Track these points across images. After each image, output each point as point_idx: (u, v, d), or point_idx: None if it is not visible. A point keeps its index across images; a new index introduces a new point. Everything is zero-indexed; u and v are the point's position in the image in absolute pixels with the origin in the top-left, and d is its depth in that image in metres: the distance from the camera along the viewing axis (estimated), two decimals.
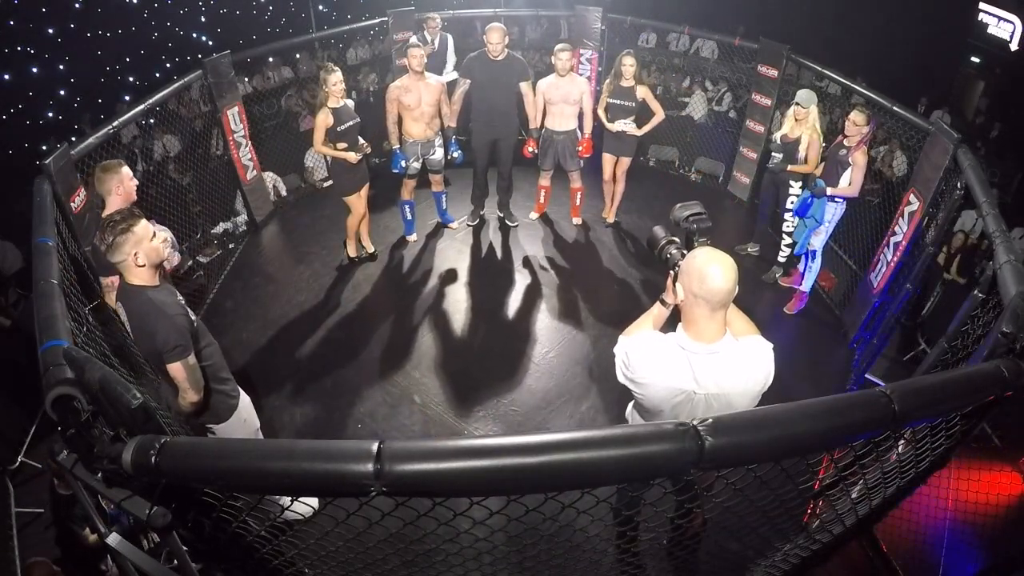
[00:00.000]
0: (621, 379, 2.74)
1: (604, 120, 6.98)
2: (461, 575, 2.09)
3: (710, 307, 2.44)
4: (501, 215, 7.70)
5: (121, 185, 4.37)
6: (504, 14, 10.07)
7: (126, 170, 4.46)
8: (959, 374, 2.03)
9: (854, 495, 2.43)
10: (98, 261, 4.35)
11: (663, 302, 2.87)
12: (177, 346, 3.25)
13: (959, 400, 1.89)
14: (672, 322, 2.76)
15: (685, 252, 2.81)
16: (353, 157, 6.07)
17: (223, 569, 2.13)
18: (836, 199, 5.81)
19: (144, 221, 3.31)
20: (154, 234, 3.37)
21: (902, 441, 2.28)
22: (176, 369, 3.30)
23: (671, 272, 2.83)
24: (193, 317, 3.55)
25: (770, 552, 2.78)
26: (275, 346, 5.92)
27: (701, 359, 2.53)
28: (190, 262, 6.95)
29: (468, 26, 10.85)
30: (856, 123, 5.58)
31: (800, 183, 6.26)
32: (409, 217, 7.26)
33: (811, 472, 1.80)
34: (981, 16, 13.34)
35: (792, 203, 6.34)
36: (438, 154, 6.76)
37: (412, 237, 7.41)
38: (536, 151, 7.03)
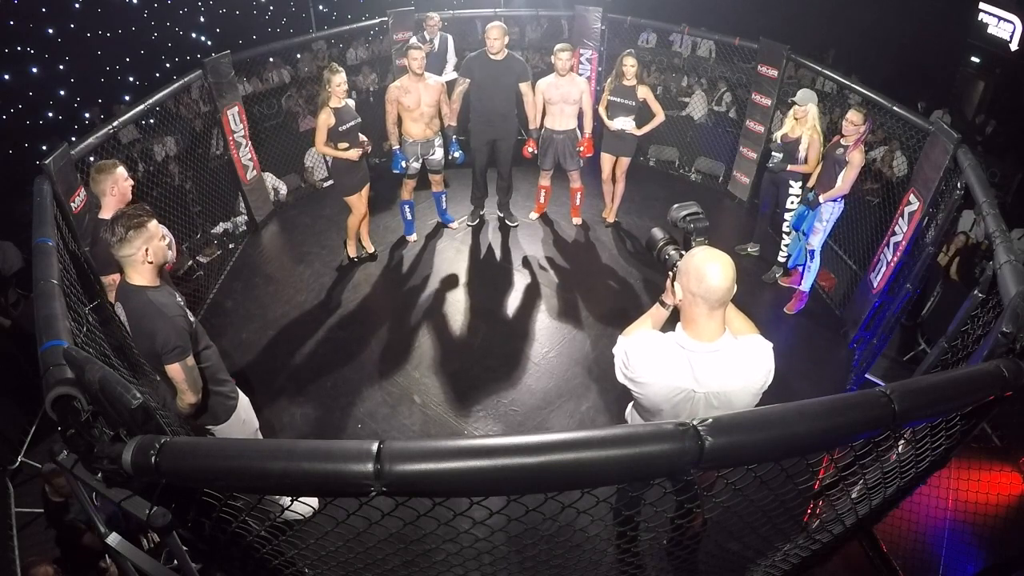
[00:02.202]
0: (620, 379, 2.74)
1: (604, 117, 6.98)
2: (461, 575, 2.09)
3: (708, 306, 2.45)
4: (501, 215, 7.69)
5: (115, 186, 4.32)
6: (504, 14, 10.06)
7: (121, 171, 4.40)
8: (959, 374, 2.03)
9: (854, 495, 2.44)
10: (98, 260, 4.34)
11: (663, 303, 2.88)
12: (176, 347, 3.24)
13: (959, 400, 1.89)
14: (671, 322, 2.76)
15: (684, 253, 2.81)
16: (354, 154, 6.07)
17: (223, 569, 2.13)
18: (833, 199, 5.83)
19: (155, 220, 3.31)
20: (163, 236, 3.38)
21: (902, 441, 2.28)
22: (175, 370, 3.30)
23: (670, 273, 2.83)
24: (192, 319, 3.55)
25: (770, 552, 2.78)
26: (275, 346, 5.92)
27: (701, 358, 2.53)
28: (190, 262, 6.95)
29: (468, 26, 10.84)
30: (853, 122, 5.60)
31: (800, 183, 6.26)
32: (409, 217, 7.26)
33: (811, 472, 1.80)
34: (981, 16, 13.33)
35: (792, 203, 6.35)
36: (438, 154, 6.77)
37: (412, 237, 7.41)
38: (536, 151, 7.03)
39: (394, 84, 6.43)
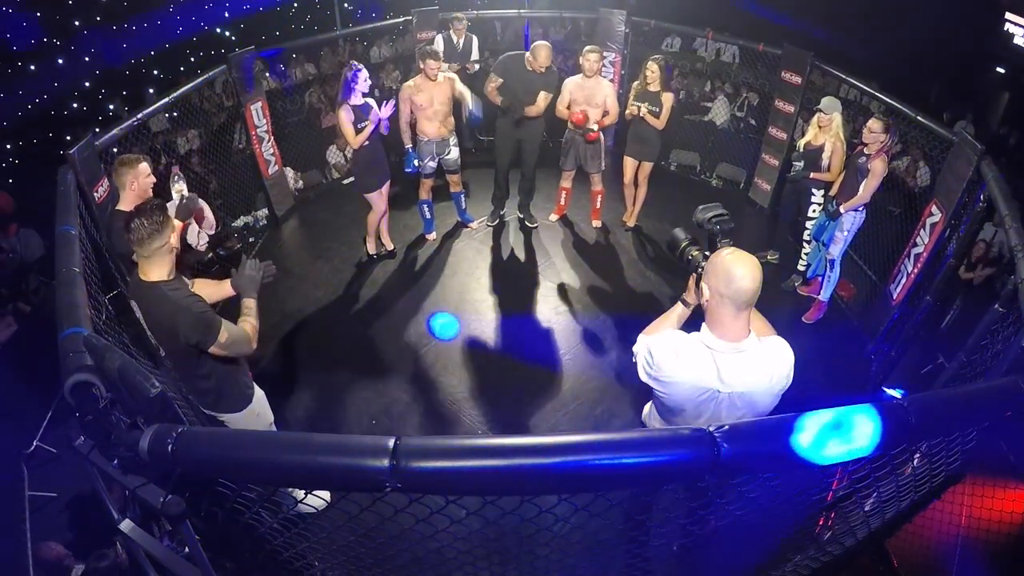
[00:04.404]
0: (644, 378, 2.73)
1: (629, 108, 6.90)
2: (471, 574, 2.09)
3: (736, 307, 2.46)
4: (521, 216, 7.68)
5: (135, 181, 4.29)
6: (528, 15, 10.06)
7: (143, 167, 4.35)
8: (977, 388, 2.02)
9: (867, 507, 2.42)
10: (115, 250, 4.37)
11: (684, 303, 2.89)
12: (201, 338, 3.24)
13: (976, 415, 1.87)
14: (694, 322, 2.75)
15: (707, 254, 2.81)
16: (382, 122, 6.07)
17: (234, 559, 2.14)
18: (854, 208, 5.78)
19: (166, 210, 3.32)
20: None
21: (917, 455, 2.27)
22: (218, 349, 3.32)
23: (694, 274, 2.84)
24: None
25: (782, 562, 2.77)
26: (292, 340, 5.96)
27: (727, 357, 2.53)
28: (209, 254, 7.00)
29: (490, 26, 10.83)
30: (873, 130, 5.54)
31: (823, 191, 6.21)
32: (428, 216, 7.28)
33: (825, 483, 1.79)
34: (1007, 26, 13.20)
35: (814, 211, 6.30)
36: (453, 153, 6.77)
37: (431, 236, 7.42)
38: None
39: (407, 83, 6.43)
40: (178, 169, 4.87)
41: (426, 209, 7.20)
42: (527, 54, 6.58)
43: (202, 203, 5.01)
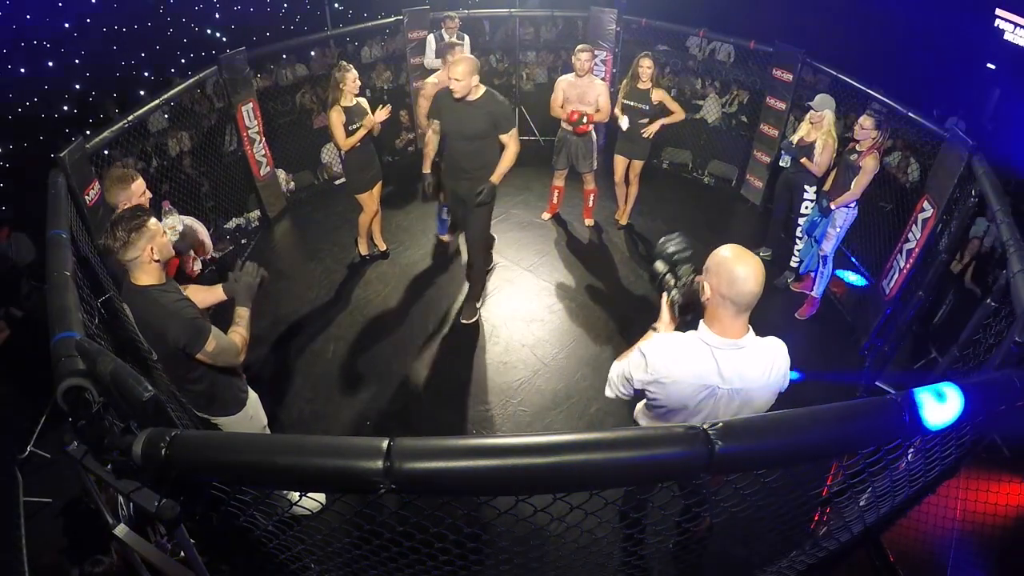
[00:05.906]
0: (638, 385, 2.69)
1: (619, 115, 6.91)
2: (468, 574, 2.08)
3: (736, 308, 2.45)
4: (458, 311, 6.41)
5: (128, 203, 4.01)
6: (519, 14, 10.04)
7: (136, 186, 4.08)
8: (971, 383, 2.02)
9: (862, 503, 2.43)
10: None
11: (655, 331, 2.88)
12: (188, 343, 3.23)
13: (970, 409, 1.88)
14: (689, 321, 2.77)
15: (680, 279, 2.88)
16: (375, 125, 6.06)
17: (229, 562, 2.14)
18: (846, 204, 5.79)
19: (153, 218, 3.27)
20: (164, 231, 3.35)
21: (911, 449, 2.27)
22: (203, 358, 3.30)
23: (664, 295, 2.91)
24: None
25: (776, 558, 2.77)
26: (285, 342, 5.94)
27: (726, 354, 2.53)
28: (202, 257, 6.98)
29: (480, 25, 10.80)
30: (864, 127, 5.56)
31: (814, 188, 6.23)
32: (444, 217, 7.19)
33: (820, 478, 1.79)
34: (997, 22, 13.25)
35: (806, 208, 6.31)
36: None
37: (446, 237, 7.36)
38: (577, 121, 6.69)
39: (431, 80, 6.38)
40: (168, 203, 4.66)
41: (444, 210, 7.10)
42: None
43: (199, 229, 4.86)
